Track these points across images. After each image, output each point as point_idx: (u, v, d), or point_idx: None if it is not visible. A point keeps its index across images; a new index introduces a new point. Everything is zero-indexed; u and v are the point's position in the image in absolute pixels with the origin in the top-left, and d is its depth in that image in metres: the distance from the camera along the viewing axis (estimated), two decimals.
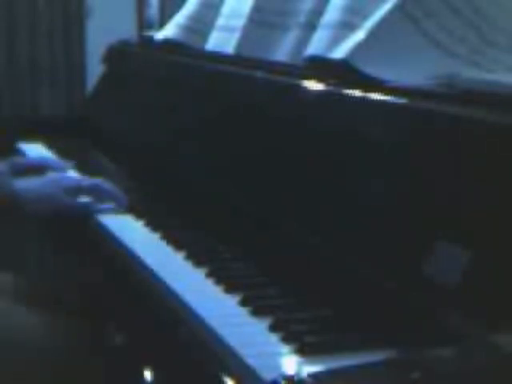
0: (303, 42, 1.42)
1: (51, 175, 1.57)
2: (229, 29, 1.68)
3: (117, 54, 2.22)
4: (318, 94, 1.27)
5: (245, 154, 1.40)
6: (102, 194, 1.47)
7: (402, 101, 1.10)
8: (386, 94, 1.12)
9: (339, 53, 1.23)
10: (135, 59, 2.14)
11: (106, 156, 1.92)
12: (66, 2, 3.02)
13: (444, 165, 0.97)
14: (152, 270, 1.17)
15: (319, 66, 1.29)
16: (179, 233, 1.32)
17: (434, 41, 1.20)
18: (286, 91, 1.36)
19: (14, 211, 1.44)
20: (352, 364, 0.80)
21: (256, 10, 1.58)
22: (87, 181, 1.50)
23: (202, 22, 1.83)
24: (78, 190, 1.46)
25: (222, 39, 1.71)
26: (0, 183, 1.46)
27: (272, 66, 1.47)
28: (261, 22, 1.57)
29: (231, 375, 0.86)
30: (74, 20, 3.04)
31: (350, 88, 1.19)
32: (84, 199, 1.47)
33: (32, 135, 2.02)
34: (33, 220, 1.73)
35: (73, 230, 1.53)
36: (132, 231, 1.38)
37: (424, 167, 1.00)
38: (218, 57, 1.68)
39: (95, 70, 2.49)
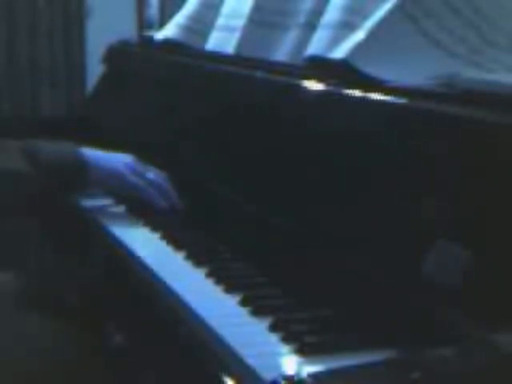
0: (303, 42, 1.42)
1: (119, 155, 1.56)
2: (229, 29, 1.68)
3: (117, 54, 2.22)
4: (318, 93, 1.27)
5: (245, 153, 1.40)
6: (162, 189, 1.47)
7: (402, 101, 1.10)
8: (386, 94, 1.12)
9: (339, 53, 1.23)
10: (135, 59, 2.14)
11: None
12: (66, 2, 3.02)
13: (444, 165, 0.97)
14: (152, 270, 1.17)
15: (319, 66, 1.29)
16: (179, 233, 1.32)
17: (434, 41, 1.20)
18: (286, 91, 1.35)
19: (80, 175, 1.44)
20: (352, 364, 0.80)
21: (256, 9, 1.58)
22: (154, 173, 1.50)
23: (202, 22, 1.83)
24: (143, 177, 1.48)
25: (221, 39, 1.71)
26: (66, 147, 1.48)
27: (272, 66, 1.47)
28: (261, 21, 1.57)
29: (231, 375, 0.86)
30: (74, 20, 3.04)
31: (350, 88, 1.19)
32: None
33: (32, 135, 2.02)
34: (36, 219, 1.73)
35: (73, 230, 1.53)
36: (132, 231, 1.38)
37: (424, 167, 1.00)
38: (218, 57, 1.68)
39: (95, 70, 2.49)
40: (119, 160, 1.49)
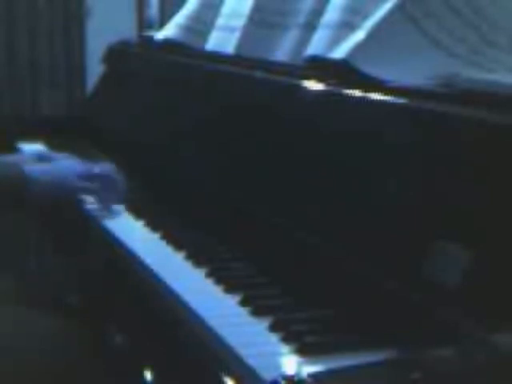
0: (303, 42, 1.42)
1: (63, 162, 1.54)
2: (229, 29, 1.68)
3: (117, 54, 2.22)
4: (318, 93, 1.27)
5: (245, 154, 1.40)
6: (110, 182, 1.48)
7: (402, 101, 1.10)
8: (386, 93, 1.12)
9: (339, 53, 1.23)
10: (135, 59, 2.14)
11: (105, 156, 1.92)
12: (66, 2, 3.02)
13: (444, 165, 0.97)
14: (152, 270, 1.17)
15: (319, 66, 1.29)
16: (179, 233, 1.32)
17: (434, 41, 1.20)
18: (286, 91, 1.35)
19: (25, 196, 1.40)
20: (352, 364, 0.80)
21: (256, 9, 1.58)
22: (98, 168, 1.50)
23: (202, 22, 1.83)
24: (90, 176, 1.47)
25: (221, 39, 1.71)
26: (5, 166, 1.44)
27: (272, 66, 1.47)
28: (261, 22, 1.57)
29: (231, 375, 0.86)
30: (74, 20, 3.04)
31: (349, 88, 1.19)
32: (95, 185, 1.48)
33: (32, 135, 2.02)
34: (35, 213, 1.72)
35: (73, 230, 1.53)
36: (132, 231, 1.38)
37: (424, 167, 1.00)
38: (218, 57, 1.68)
39: (95, 70, 2.49)
40: (62, 168, 1.47)
